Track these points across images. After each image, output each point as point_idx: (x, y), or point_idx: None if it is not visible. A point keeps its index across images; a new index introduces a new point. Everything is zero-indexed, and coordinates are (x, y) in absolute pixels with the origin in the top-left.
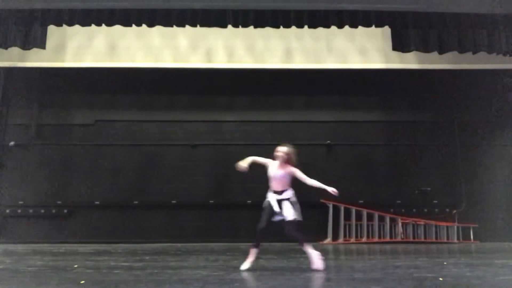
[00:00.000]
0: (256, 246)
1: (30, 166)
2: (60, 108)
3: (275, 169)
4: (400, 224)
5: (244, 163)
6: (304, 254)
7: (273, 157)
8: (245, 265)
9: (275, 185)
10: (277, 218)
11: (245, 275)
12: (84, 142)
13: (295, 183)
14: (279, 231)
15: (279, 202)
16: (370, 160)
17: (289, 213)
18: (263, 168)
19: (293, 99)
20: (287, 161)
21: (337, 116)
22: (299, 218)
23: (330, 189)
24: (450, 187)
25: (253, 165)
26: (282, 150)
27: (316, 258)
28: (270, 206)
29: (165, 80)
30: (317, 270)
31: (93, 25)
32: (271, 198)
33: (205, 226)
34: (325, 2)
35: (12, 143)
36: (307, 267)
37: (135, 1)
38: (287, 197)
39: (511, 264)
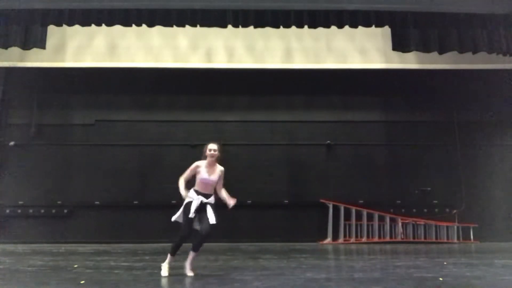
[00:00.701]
0: (172, 254)
1: (30, 166)
2: (60, 108)
3: (207, 171)
4: (400, 224)
5: (183, 192)
6: (304, 254)
7: (205, 157)
8: (163, 271)
9: (204, 187)
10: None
11: (245, 275)
12: (84, 142)
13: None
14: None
15: (203, 206)
16: (370, 160)
17: (212, 216)
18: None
19: (293, 99)
20: (217, 159)
21: (337, 116)
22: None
23: (230, 202)
24: (450, 187)
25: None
26: (215, 148)
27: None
28: (189, 209)
29: (165, 80)
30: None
31: (93, 25)
32: (196, 199)
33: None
34: (325, 2)
35: (12, 143)
36: (307, 267)
37: (135, 1)
38: (212, 202)
39: (511, 264)
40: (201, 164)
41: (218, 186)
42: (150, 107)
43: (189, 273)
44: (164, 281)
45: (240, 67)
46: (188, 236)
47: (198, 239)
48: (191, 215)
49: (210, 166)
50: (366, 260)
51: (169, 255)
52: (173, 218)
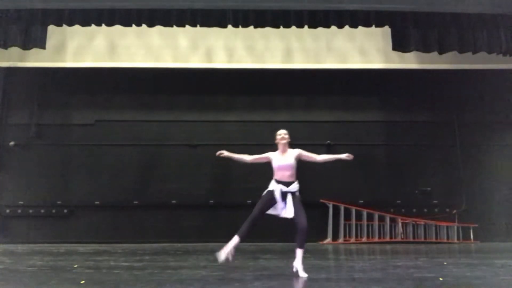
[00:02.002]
0: (241, 236)
1: (30, 166)
2: (60, 108)
3: (280, 158)
4: (400, 224)
5: (231, 154)
6: (305, 254)
7: (275, 145)
8: (221, 255)
9: (282, 175)
10: (274, 212)
11: (245, 275)
12: (84, 142)
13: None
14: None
15: (284, 195)
16: (370, 160)
17: (291, 209)
18: (263, 165)
19: (293, 99)
20: (288, 144)
21: (337, 116)
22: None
23: (345, 155)
24: (450, 187)
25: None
26: (285, 132)
27: (301, 268)
28: (270, 197)
29: (165, 80)
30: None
31: (93, 25)
32: (276, 188)
33: (205, 226)
34: (325, 2)
35: (12, 143)
36: (307, 267)
37: (135, 1)
38: (293, 191)
39: (511, 264)
40: (273, 153)
41: (312, 159)
42: (150, 107)
43: (302, 274)
44: (165, 281)
45: (240, 67)
46: (256, 218)
47: (297, 236)
48: (278, 198)
49: (283, 152)
50: (366, 260)
51: (237, 237)
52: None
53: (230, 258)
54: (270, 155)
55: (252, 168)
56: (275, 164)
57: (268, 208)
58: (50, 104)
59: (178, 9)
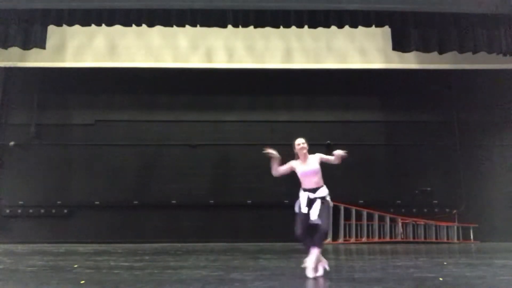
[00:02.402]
0: (308, 246)
1: (30, 166)
2: (60, 108)
3: (303, 165)
4: (400, 224)
5: (274, 153)
6: (304, 254)
7: (296, 157)
8: (311, 273)
9: (307, 182)
10: (312, 221)
11: (245, 275)
12: (84, 142)
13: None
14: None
15: (313, 201)
16: (370, 160)
17: (316, 212)
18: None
19: (293, 99)
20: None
21: (337, 116)
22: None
23: (342, 152)
24: (450, 187)
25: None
26: (303, 141)
27: (320, 266)
28: (301, 211)
29: (165, 80)
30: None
31: (93, 25)
32: (302, 198)
33: (205, 226)
34: (325, 2)
35: (12, 143)
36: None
37: (135, 1)
38: (320, 196)
39: (511, 264)
40: (295, 161)
41: (330, 161)
42: (150, 107)
43: (309, 273)
44: (165, 281)
45: (240, 67)
46: (301, 235)
47: (316, 235)
48: (304, 210)
49: (304, 160)
50: (366, 260)
51: (312, 249)
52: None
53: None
54: (293, 164)
55: (252, 168)
56: (299, 172)
57: (306, 218)
58: (50, 104)
59: (178, 9)
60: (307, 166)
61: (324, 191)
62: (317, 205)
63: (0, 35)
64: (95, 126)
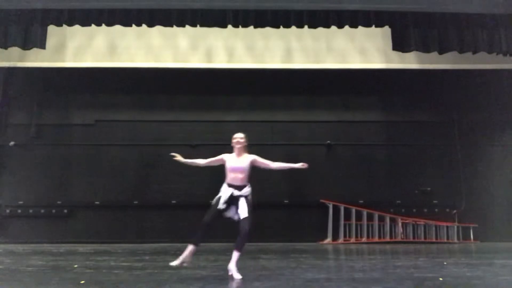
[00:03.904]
0: (194, 243)
1: (30, 166)
2: (60, 108)
3: (234, 160)
4: (400, 224)
5: (184, 160)
6: (304, 254)
7: (230, 148)
8: (176, 261)
9: (234, 178)
10: (229, 215)
11: (245, 275)
12: (84, 142)
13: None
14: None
15: (236, 198)
16: (370, 160)
17: (244, 210)
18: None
19: (293, 99)
20: (245, 149)
21: (337, 116)
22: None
23: (299, 165)
24: (450, 187)
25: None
26: (241, 136)
27: (235, 269)
28: (219, 206)
29: (165, 80)
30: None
31: (93, 25)
32: (225, 192)
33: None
34: (325, 2)
35: (12, 143)
36: (307, 267)
37: (135, 1)
38: (245, 194)
39: (511, 264)
40: (228, 155)
41: (267, 166)
42: (150, 107)
43: (236, 275)
44: (165, 281)
45: (240, 67)
46: (207, 224)
47: (238, 238)
48: (221, 206)
49: (238, 156)
50: (366, 260)
51: (190, 245)
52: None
53: (186, 264)
54: (224, 156)
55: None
56: (228, 166)
57: (220, 213)
58: (50, 104)
59: (178, 9)
60: (238, 162)
61: (248, 190)
62: (243, 203)
63: (0, 35)
64: (95, 126)
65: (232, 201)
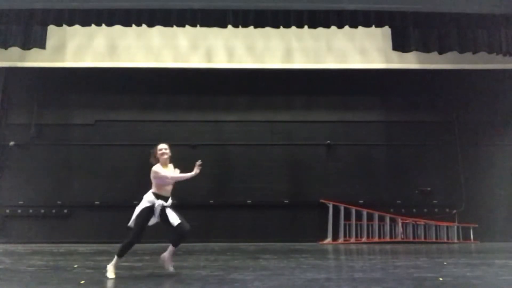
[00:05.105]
0: (120, 256)
1: (30, 166)
2: (60, 108)
3: (170, 172)
4: (400, 224)
5: (190, 174)
6: (305, 254)
7: (157, 159)
8: (111, 273)
9: (167, 190)
10: (151, 223)
11: (245, 275)
12: (84, 142)
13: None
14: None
15: (163, 209)
16: (370, 160)
17: (175, 218)
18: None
19: (293, 99)
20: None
21: (337, 116)
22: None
23: (193, 173)
24: (450, 187)
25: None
26: (165, 147)
27: (170, 264)
28: (150, 211)
29: (165, 80)
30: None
31: (93, 25)
32: (157, 207)
33: (205, 226)
34: (325, 2)
35: (12, 143)
36: (307, 267)
37: (135, 1)
38: (169, 204)
39: (511, 264)
40: (158, 167)
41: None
42: (150, 107)
43: (170, 268)
44: (165, 281)
45: (240, 67)
46: (138, 242)
47: (177, 236)
48: (153, 222)
49: (166, 167)
50: (366, 260)
51: (116, 257)
52: (130, 224)
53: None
54: (156, 168)
55: (252, 168)
56: (165, 176)
57: (147, 223)
58: (50, 104)
59: (178, 9)
60: (172, 173)
61: (171, 201)
62: (170, 212)
63: (0, 35)
64: (95, 126)
65: (162, 212)
